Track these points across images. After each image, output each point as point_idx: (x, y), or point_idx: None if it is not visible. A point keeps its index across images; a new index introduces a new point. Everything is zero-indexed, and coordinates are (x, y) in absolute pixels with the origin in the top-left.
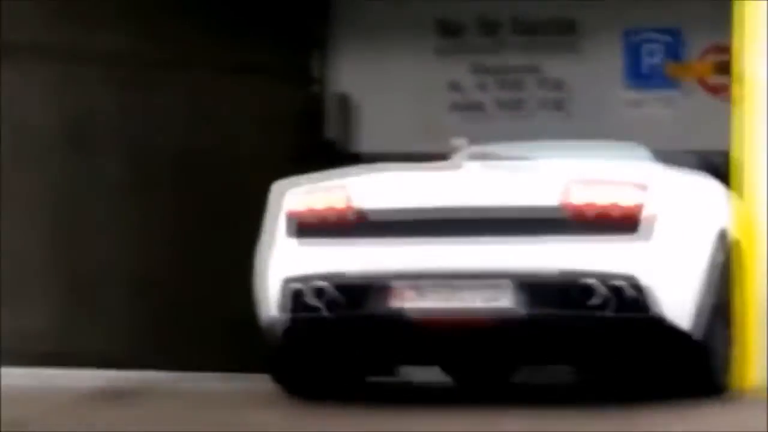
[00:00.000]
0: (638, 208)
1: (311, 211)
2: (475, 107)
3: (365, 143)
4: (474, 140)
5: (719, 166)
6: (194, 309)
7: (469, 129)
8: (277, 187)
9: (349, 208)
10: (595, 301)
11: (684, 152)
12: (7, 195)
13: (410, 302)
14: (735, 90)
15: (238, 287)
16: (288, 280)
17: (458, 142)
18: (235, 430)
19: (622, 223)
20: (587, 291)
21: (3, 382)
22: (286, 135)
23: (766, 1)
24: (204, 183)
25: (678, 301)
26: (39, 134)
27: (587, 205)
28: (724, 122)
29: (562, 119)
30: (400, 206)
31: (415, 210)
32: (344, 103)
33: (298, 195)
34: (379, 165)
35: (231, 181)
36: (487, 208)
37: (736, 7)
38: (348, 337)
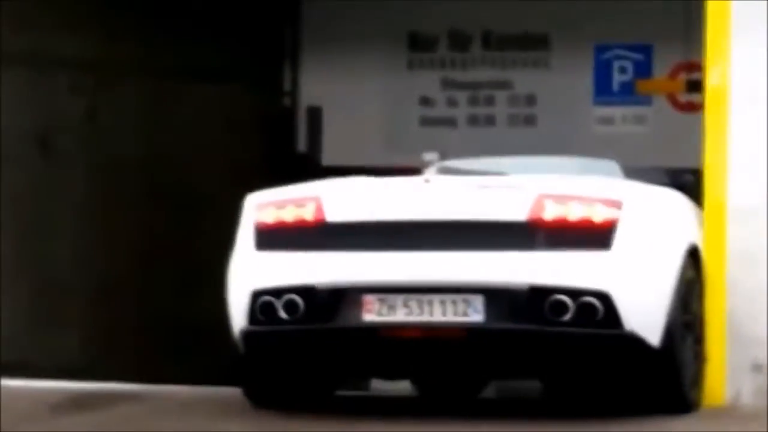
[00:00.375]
0: (611, 224)
1: (281, 223)
2: (446, 122)
3: (336, 156)
4: (445, 155)
5: (690, 184)
6: (160, 319)
7: (440, 144)
8: (249, 199)
9: (319, 220)
10: (566, 316)
11: (654, 169)
12: None
13: (380, 315)
14: (705, 101)
15: (203, 297)
16: (258, 293)
17: (430, 156)
18: None
19: (593, 238)
20: (558, 306)
21: None
22: (257, 146)
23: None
24: (171, 192)
25: (649, 318)
26: (4, 141)
27: (559, 220)
28: (695, 140)
29: (533, 135)
30: (371, 219)
31: (385, 223)
32: (315, 116)
33: (268, 207)
34: (350, 178)
35: (199, 191)
36: (458, 222)
37: (709, 19)
38: (318, 349)
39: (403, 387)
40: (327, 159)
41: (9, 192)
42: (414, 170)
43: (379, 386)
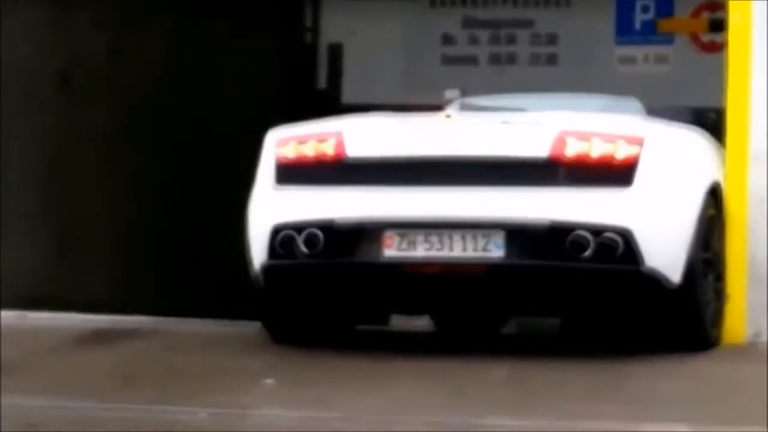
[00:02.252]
0: (632, 160)
1: (302, 158)
2: (468, 60)
3: (356, 94)
4: (466, 93)
5: (712, 122)
6: (182, 256)
7: (461, 82)
8: (270, 134)
9: (340, 156)
10: (586, 253)
11: (676, 108)
12: None
13: (400, 251)
14: (727, 40)
15: (226, 234)
16: (278, 228)
17: (451, 93)
18: (218, 371)
19: (615, 175)
20: (579, 243)
21: None
22: (277, 83)
23: None
24: (194, 130)
25: (669, 255)
26: (28, 77)
27: (580, 156)
28: (717, 79)
29: (554, 74)
30: (392, 155)
31: (406, 159)
32: (336, 53)
33: (289, 143)
34: (371, 114)
35: (221, 128)
36: (479, 158)
37: None
38: (337, 284)
39: (422, 323)
40: (347, 96)
41: (32, 130)
42: (435, 108)
43: (399, 322)
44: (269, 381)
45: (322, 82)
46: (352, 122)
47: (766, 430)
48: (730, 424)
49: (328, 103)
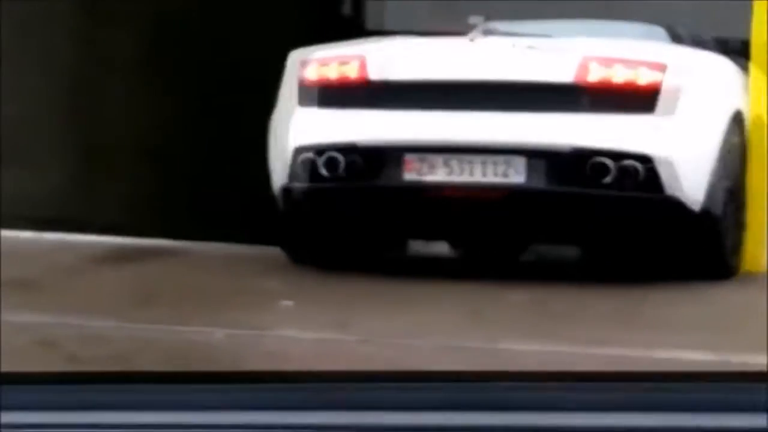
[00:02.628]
0: (655, 87)
1: (325, 80)
2: None
3: (380, 20)
4: (490, 19)
5: (738, 52)
6: (206, 180)
7: (485, 9)
8: (292, 56)
9: (363, 78)
10: (607, 179)
11: (702, 37)
12: (12, 59)
13: (421, 174)
14: None
15: (250, 159)
16: (300, 149)
17: (475, 19)
18: (236, 291)
19: (637, 101)
20: (600, 168)
21: (5, 245)
22: (302, 9)
23: None
24: (217, 54)
25: (692, 182)
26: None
27: (603, 82)
28: (741, 10)
29: (579, 3)
30: (415, 78)
31: (428, 82)
32: None
33: (312, 64)
34: (395, 37)
35: (244, 52)
36: (502, 83)
37: None
38: (357, 207)
39: (441, 249)
40: (371, 23)
41: (50, 50)
42: (458, 34)
43: (418, 248)
44: (287, 302)
45: (347, 8)
46: (374, 45)
47: None
48: (749, 352)
49: (353, 29)
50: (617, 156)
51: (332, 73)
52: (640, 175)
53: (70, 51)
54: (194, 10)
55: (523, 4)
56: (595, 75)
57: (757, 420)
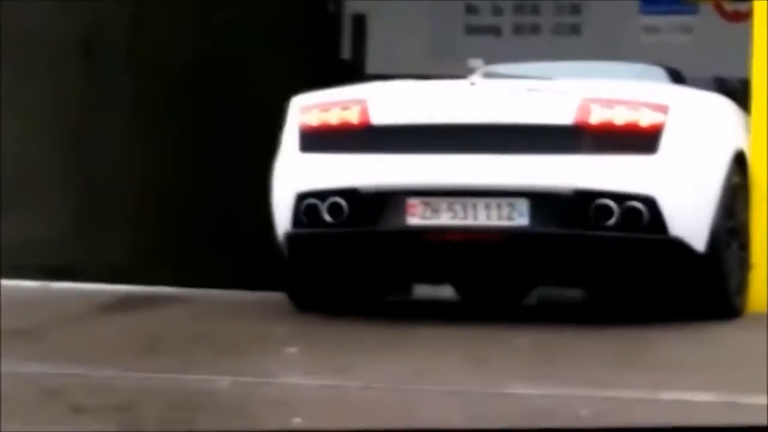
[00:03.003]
0: (657, 128)
1: (326, 125)
2: (491, 30)
3: (380, 64)
4: (490, 62)
5: (736, 92)
6: (207, 224)
7: (485, 52)
8: (294, 101)
9: (364, 123)
10: (611, 221)
11: (701, 78)
12: (19, 105)
13: (424, 218)
14: (753, 8)
15: (250, 203)
16: (302, 195)
17: (475, 62)
18: (240, 339)
19: (640, 143)
20: (603, 210)
21: (8, 295)
22: (301, 53)
23: None
24: (216, 97)
25: (694, 223)
26: (50, 45)
27: (605, 123)
28: (741, 49)
29: (578, 44)
30: (416, 122)
31: (430, 126)
32: (360, 23)
33: (313, 109)
34: (395, 81)
35: (243, 97)
36: (504, 125)
37: None
38: (361, 252)
39: (445, 293)
40: (371, 67)
41: (55, 98)
42: (458, 77)
43: (422, 292)
44: (292, 349)
45: (346, 52)
46: (376, 89)
47: None
48: (754, 393)
49: (353, 73)
50: (620, 198)
51: (333, 118)
52: (643, 216)
53: (70, 98)
54: (195, 56)
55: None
56: (596, 116)
57: None
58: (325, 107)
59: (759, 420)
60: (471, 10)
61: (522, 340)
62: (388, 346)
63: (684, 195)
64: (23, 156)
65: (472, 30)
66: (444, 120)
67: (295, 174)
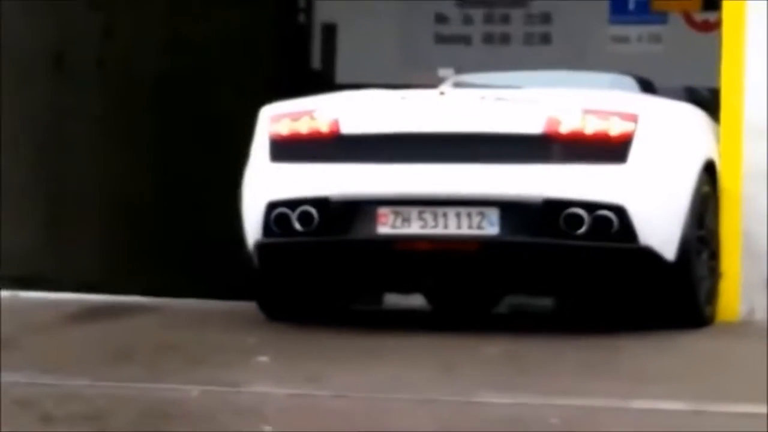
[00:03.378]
0: (627, 137)
1: (296, 135)
2: (461, 40)
3: (350, 74)
4: (460, 72)
5: (706, 101)
6: (177, 235)
7: (455, 62)
8: (264, 111)
9: (334, 132)
10: (581, 230)
11: (670, 87)
12: None
13: (395, 228)
14: (722, 17)
15: (220, 213)
16: (273, 204)
17: (445, 72)
18: (211, 348)
19: (609, 152)
20: (573, 219)
21: None
22: (272, 63)
23: None
24: (186, 109)
25: (664, 232)
26: (20, 57)
27: (574, 133)
28: (710, 59)
29: (548, 54)
30: (386, 131)
31: (400, 135)
32: (330, 33)
33: (283, 119)
34: (365, 91)
35: (213, 107)
36: (474, 135)
37: None
38: (332, 261)
39: (416, 302)
40: (341, 76)
41: (26, 109)
42: (429, 87)
43: (393, 301)
44: (263, 358)
45: (316, 62)
46: (345, 98)
47: (764, 407)
48: (725, 402)
49: (323, 83)
50: (590, 207)
51: (303, 127)
52: (613, 225)
53: (41, 109)
54: (165, 67)
55: (492, 56)
56: (565, 126)
57: None
58: (295, 117)
59: (728, 428)
60: (441, 19)
61: (492, 349)
62: (358, 355)
63: (654, 204)
64: None
65: (442, 39)
66: (414, 129)
67: (266, 183)
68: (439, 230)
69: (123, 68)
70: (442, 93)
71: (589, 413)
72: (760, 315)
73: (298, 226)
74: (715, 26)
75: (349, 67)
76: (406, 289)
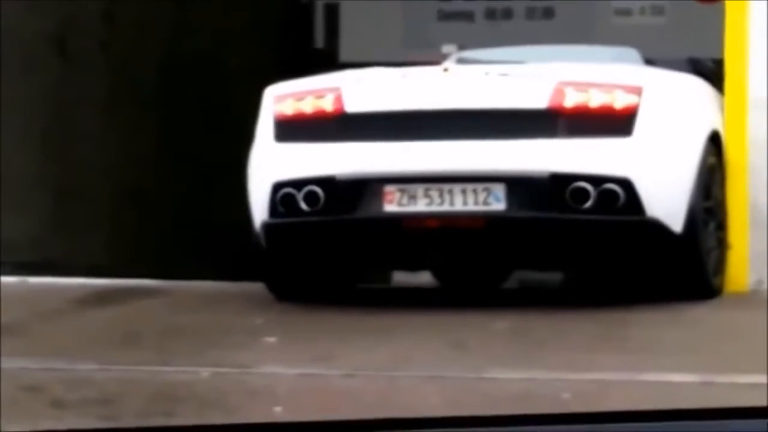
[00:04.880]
0: (631, 110)
1: (300, 114)
2: (464, 16)
3: (353, 52)
4: (464, 48)
5: (711, 72)
6: (183, 218)
7: (458, 38)
8: (268, 91)
9: (339, 111)
10: (587, 203)
11: (674, 59)
12: None
13: (401, 205)
14: None
15: (226, 196)
16: (279, 185)
17: (448, 48)
18: (219, 330)
19: (614, 125)
20: (580, 193)
21: None
22: (275, 43)
23: None
24: (191, 91)
25: (671, 204)
26: (23, 42)
27: (579, 107)
28: (713, 29)
29: (550, 28)
30: (390, 109)
31: (405, 113)
32: (332, 12)
33: (287, 99)
34: (369, 69)
35: (218, 88)
36: (478, 111)
37: None
38: (339, 240)
39: (424, 279)
40: (344, 55)
41: (29, 96)
42: (432, 64)
43: (401, 279)
44: (272, 339)
45: (319, 41)
46: (349, 77)
47: None
48: (734, 373)
49: (326, 62)
50: (597, 180)
51: (308, 107)
52: (620, 198)
53: (45, 95)
54: (169, 51)
55: (495, 32)
56: (570, 100)
57: None
58: (300, 96)
59: (737, 399)
60: None
61: (501, 325)
62: (367, 333)
63: (660, 176)
64: (0, 153)
65: (445, 16)
66: (418, 107)
67: (271, 164)
68: (446, 207)
69: (126, 52)
70: (445, 69)
71: (600, 387)
72: (767, 285)
73: (304, 206)
74: None
75: (352, 46)
76: (413, 267)
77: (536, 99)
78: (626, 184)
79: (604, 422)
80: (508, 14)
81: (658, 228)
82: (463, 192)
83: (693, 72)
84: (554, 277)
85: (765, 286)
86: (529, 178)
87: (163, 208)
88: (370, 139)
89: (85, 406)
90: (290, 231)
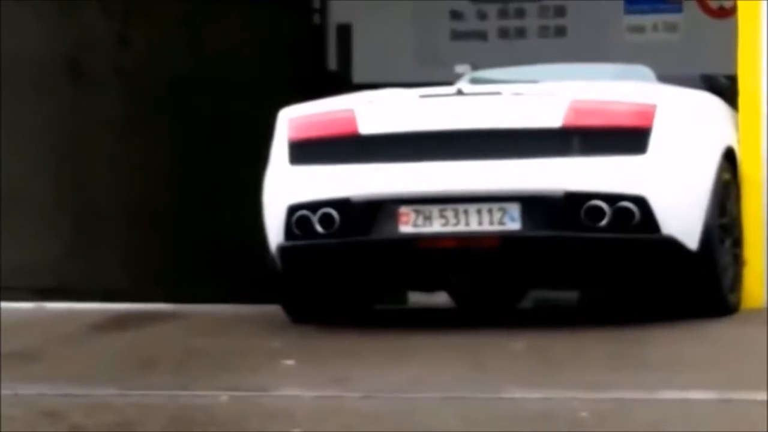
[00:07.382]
0: (646, 128)
1: (315, 137)
2: (477, 35)
3: (367, 73)
4: (477, 68)
5: (725, 88)
6: (198, 240)
7: (471, 58)
8: (282, 114)
9: (353, 133)
10: (602, 222)
11: (688, 75)
12: (6, 128)
13: (416, 226)
14: (737, 3)
15: (241, 217)
16: (293, 207)
17: (461, 68)
18: (237, 353)
19: (629, 143)
20: (595, 212)
21: (4, 317)
22: (288, 65)
23: None
24: (204, 113)
25: (686, 221)
26: (37, 66)
27: (594, 125)
28: (727, 45)
29: (563, 46)
30: (404, 130)
31: (419, 134)
32: (345, 34)
33: (301, 121)
34: (383, 90)
35: (231, 111)
36: (492, 131)
37: None
38: (354, 262)
39: (440, 300)
40: (358, 76)
41: (43, 118)
42: (445, 84)
43: (417, 300)
44: (289, 361)
45: (332, 63)
46: (363, 99)
47: None
48: (752, 390)
49: (339, 83)
50: (612, 198)
51: (322, 129)
52: (635, 216)
53: (60, 117)
54: (183, 72)
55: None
56: (584, 118)
57: None
58: (314, 118)
59: (756, 416)
60: (456, 15)
61: (519, 344)
62: (385, 355)
63: (675, 193)
64: (15, 178)
65: (458, 35)
66: (432, 127)
67: (286, 186)
68: (461, 227)
69: (140, 74)
70: (459, 90)
71: (618, 405)
72: None
73: (319, 228)
74: (730, 12)
75: (365, 67)
76: (429, 288)
77: (550, 118)
78: (641, 202)
79: None
80: (521, 33)
81: (673, 245)
82: (479, 212)
83: (706, 88)
84: (570, 295)
85: None
86: (544, 197)
87: (179, 232)
88: (384, 160)
89: (105, 431)
90: (306, 253)
